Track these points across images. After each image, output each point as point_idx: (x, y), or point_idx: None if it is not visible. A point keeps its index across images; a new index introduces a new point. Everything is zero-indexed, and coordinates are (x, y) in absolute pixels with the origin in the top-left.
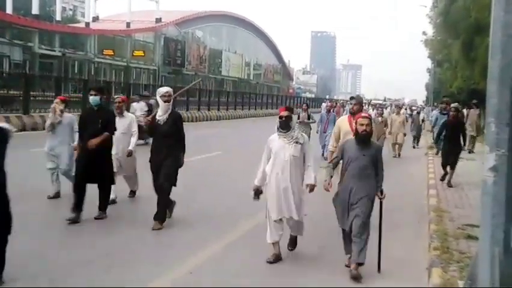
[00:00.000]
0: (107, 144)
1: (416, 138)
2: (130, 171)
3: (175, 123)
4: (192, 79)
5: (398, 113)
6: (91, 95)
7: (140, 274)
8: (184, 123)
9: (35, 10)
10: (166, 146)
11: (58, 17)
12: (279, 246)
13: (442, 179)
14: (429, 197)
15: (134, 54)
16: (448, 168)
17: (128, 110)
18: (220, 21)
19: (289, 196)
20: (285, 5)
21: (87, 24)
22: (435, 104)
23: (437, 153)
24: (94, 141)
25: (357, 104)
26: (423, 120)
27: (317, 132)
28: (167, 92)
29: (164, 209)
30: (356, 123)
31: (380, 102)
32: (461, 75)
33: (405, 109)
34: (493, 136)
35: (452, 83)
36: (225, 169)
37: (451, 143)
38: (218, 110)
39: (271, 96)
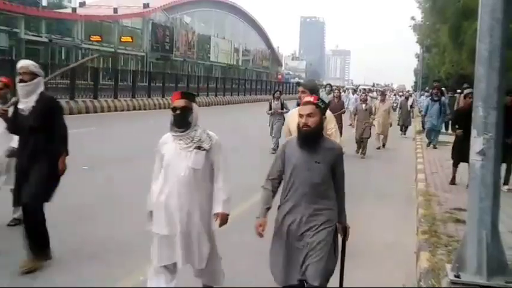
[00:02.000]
0: None
1: (404, 126)
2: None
3: (47, 112)
4: (181, 65)
5: (382, 101)
6: None
7: None
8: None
9: None
10: (33, 145)
11: (44, 3)
12: None
13: (452, 182)
14: (417, 181)
15: (121, 40)
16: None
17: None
18: (209, 6)
19: (186, 233)
20: None
21: (74, 9)
22: (427, 89)
23: (428, 145)
24: None
25: (304, 92)
26: (411, 107)
27: None
28: (22, 68)
29: (38, 239)
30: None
31: (368, 88)
32: (450, 60)
33: (394, 95)
34: (481, 120)
35: (440, 68)
36: None
37: (465, 134)
38: (207, 96)
39: (260, 82)
